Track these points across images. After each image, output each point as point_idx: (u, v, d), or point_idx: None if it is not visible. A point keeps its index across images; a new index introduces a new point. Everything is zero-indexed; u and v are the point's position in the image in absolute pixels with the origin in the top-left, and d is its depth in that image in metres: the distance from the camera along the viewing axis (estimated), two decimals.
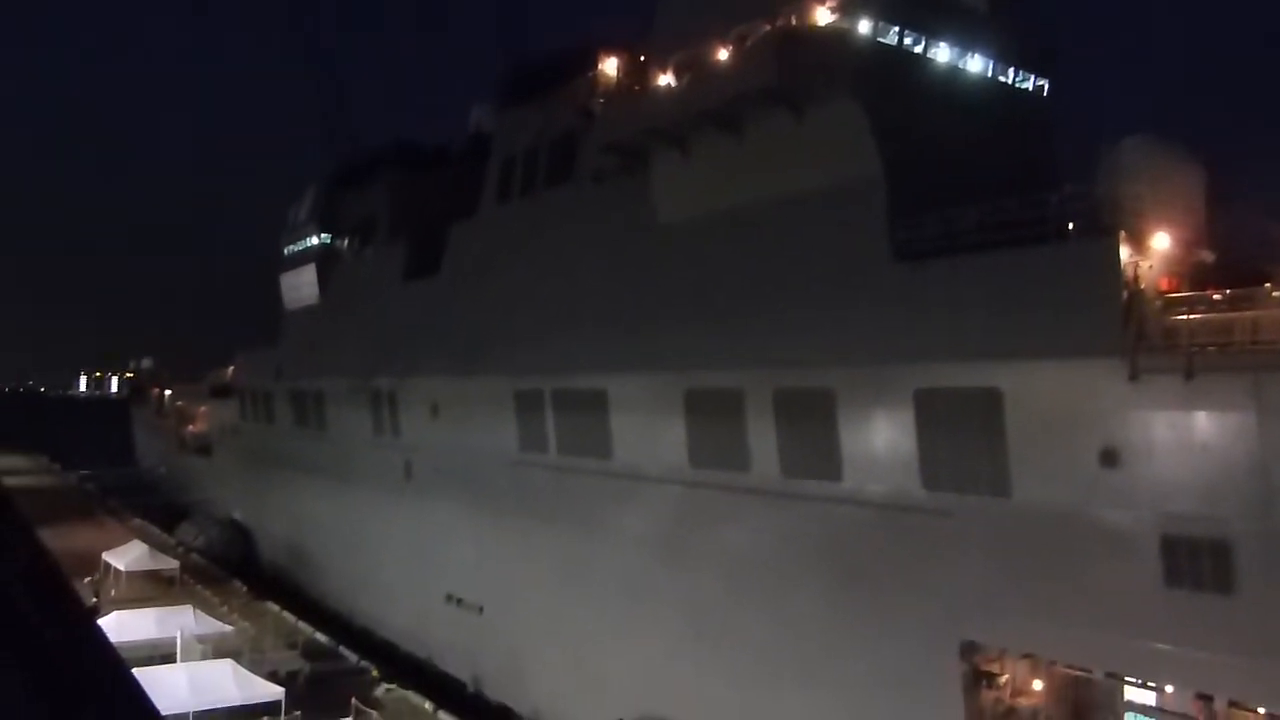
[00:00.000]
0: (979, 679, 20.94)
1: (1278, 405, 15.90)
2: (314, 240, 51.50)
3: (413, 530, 41.55)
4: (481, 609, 36.74)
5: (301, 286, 52.51)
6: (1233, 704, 17.88)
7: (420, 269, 40.30)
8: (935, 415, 20.60)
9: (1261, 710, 17.55)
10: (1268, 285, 17.66)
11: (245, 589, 51.85)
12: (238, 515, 64.39)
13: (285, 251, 54.69)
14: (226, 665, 33.08)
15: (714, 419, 25.77)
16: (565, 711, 31.69)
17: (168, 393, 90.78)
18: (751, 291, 24.69)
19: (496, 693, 36.53)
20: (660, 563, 28.10)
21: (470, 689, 37.47)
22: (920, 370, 20.75)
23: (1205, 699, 18.30)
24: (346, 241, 49.66)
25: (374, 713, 33.53)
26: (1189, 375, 16.76)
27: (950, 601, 20.50)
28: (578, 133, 31.48)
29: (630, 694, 29.06)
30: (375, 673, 37.74)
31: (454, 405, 37.89)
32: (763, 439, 24.42)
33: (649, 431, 28.11)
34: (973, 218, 19.95)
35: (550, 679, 33.35)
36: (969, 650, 20.66)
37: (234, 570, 55.76)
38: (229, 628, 40.50)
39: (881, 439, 21.87)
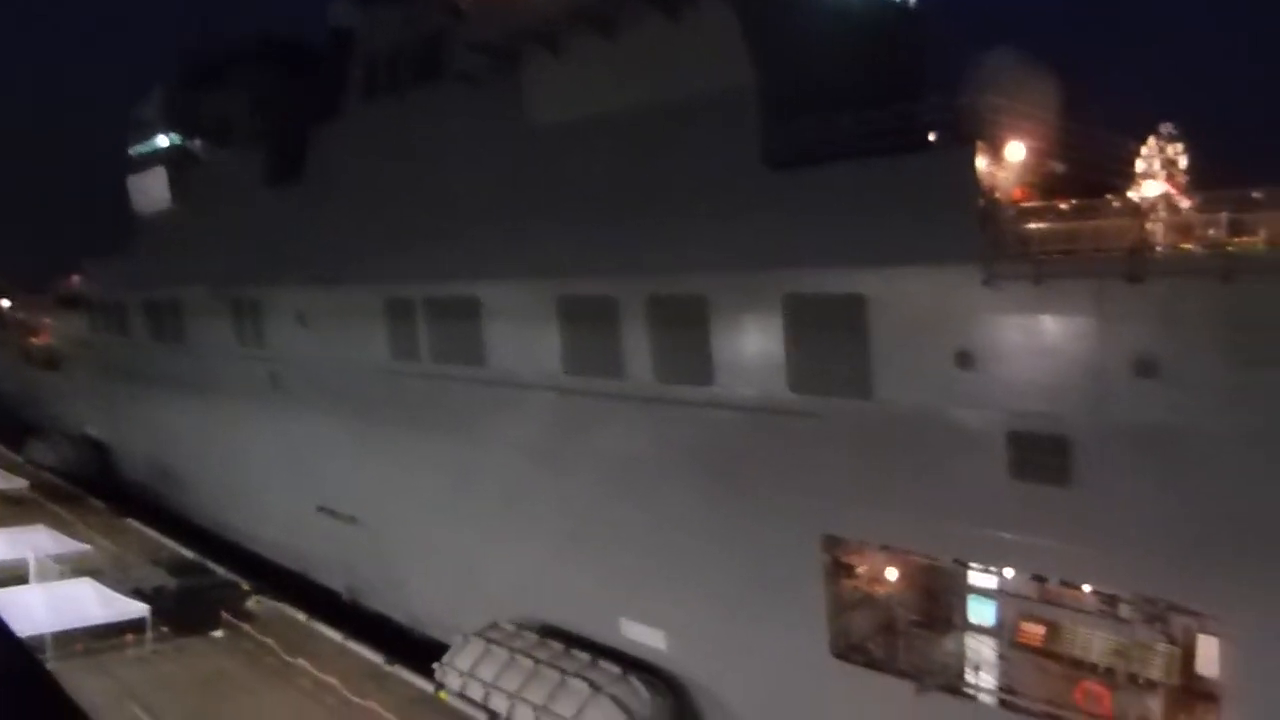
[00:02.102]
0: (839, 570, 22.17)
1: (1116, 310, 16.97)
2: (163, 141, 48.37)
3: (281, 442, 40.64)
4: (355, 519, 36.49)
5: (151, 190, 49.44)
6: (1063, 583, 19.52)
7: (281, 173, 38.50)
8: (803, 320, 21.20)
9: (1086, 588, 19.21)
10: (1110, 196, 18.68)
11: (104, 506, 50.08)
12: (92, 431, 61.62)
13: (132, 153, 51.23)
14: (86, 584, 32.12)
15: (588, 326, 25.86)
16: (443, 617, 32.05)
17: (6, 303, 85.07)
18: (625, 198, 24.61)
19: (372, 601, 36.63)
20: (536, 468, 28.39)
21: (345, 598, 37.46)
22: (789, 276, 21.23)
23: (1040, 580, 19.91)
24: (200, 143, 46.84)
25: (246, 625, 33.22)
26: (1038, 281, 17.67)
27: (814, 498, 21.48)
28: (445, 31, 30.29)
29: (507, 597, 29.58)
30: (245, 586, 37.25)
31: (322, 314, 36.81)
32: (636, 345, 24.69)
33: (523, 339, 28.03)
34: (842, 127, 20.25)
35: (427, 585, 33.62)
36: (830, 543, 21.79)
37: (91, 488, 53.66)
38: (87, 546, 39.18)
39: (752, 344, 22.40)
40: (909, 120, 19.36)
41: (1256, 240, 16.42)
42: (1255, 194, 16.49)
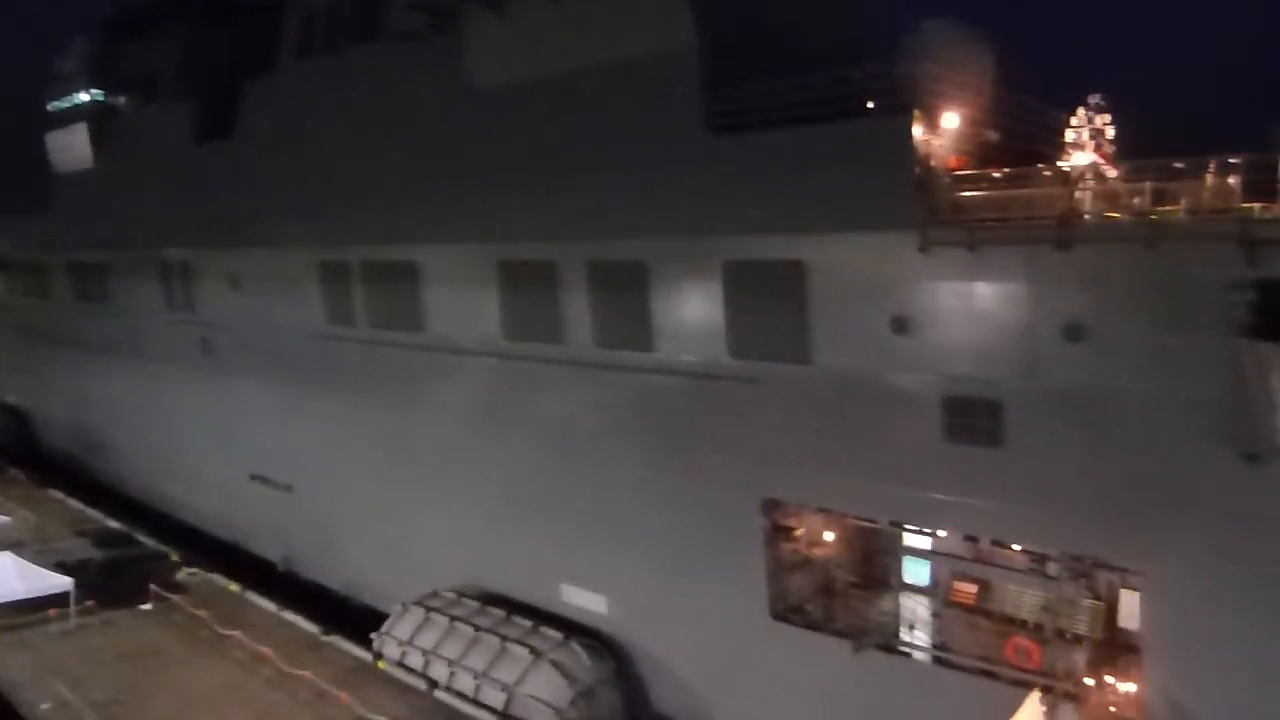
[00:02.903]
0: (778, 533, 22.52)
1: (1046, 276, 17.37)
2: (85, 96, 46.53)
3: (213, 409, 39.80)
4: (290, 487, 35.98)
5: (72, 148, 47.57)
6: (994, 543, 20.10)
7: (211, 130, 37.29)
8: (743, 286, 21.32)
9: (1016, 547, 19.81)
10: (1041, 165, 19.06)
11: (24, 477, 48.67)
12: (11, 399, 59.66)
13: (51, 108, 49.20)
14: (6, 558, 31.24)
15: (528, 291, 25.69)
16: (381, 585, 31.86)
17: None
18: (566, 161, 24.39)
19: (309, 571, 36.26)
20: (475, 434, 28.25)
21: (281, 569, 37.01)
22: (729, 243, 21.31)
23: (972, 540, 20.47)
24: (125, 98, 45.15)
25: (176, 598, 32.68)
26: (972, 248, 18.00)
27: (754, 462, 21.76)
28: None
29: (447, 564, 29.51)
30: (175, 557, 36.59)
31: (254, 278, 35.98)
32: (577, 310, 24.61)
33: (462, 304, 27.74)
34: (781, 92, 20.28)
35: (365, 553, 33.37)
36: (770, 506, 22.11)
37: (10, 458, 52.06)
38: (6, 518, 38.12)
39: (692, 310, 22.47)
40: (847, 87, 19.46)
41: (1178, 208, 16.91)
42: (1177, 164, 16.95)
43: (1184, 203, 16.90)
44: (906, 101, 18.82)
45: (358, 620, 30.12)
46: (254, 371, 36.65)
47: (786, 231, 20.23)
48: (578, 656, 24.82)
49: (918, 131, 18.73)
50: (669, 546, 23.93)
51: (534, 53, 25.23)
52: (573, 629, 25.82)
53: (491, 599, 28.07)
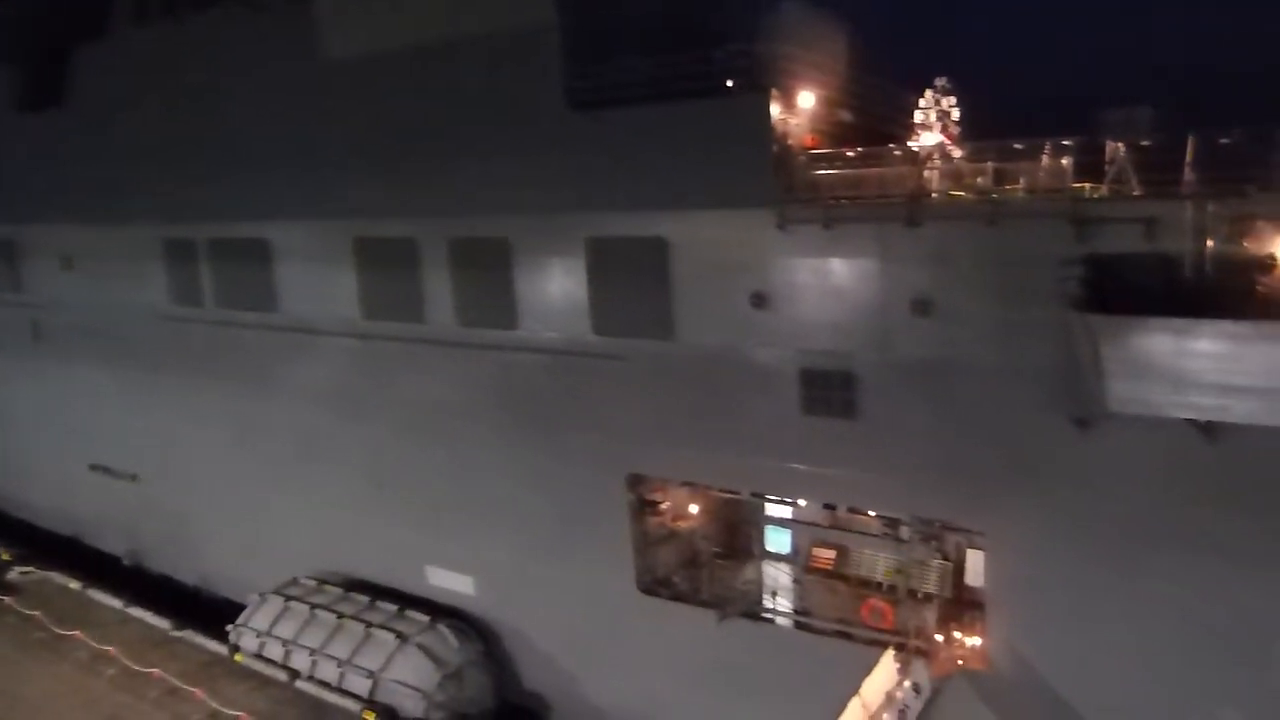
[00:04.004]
0: (644, 507, 22.76)
1: (896, 253, 18.04)
2: None
3: (47, 397, 37.31)
4: (136, 477, 34.17)
5: None
6: (851, 510, 20.88)
7: (38, 97, 34.68)
8: (605, 263, 21.36)
9: (871, 513, 20.63)
10: (891, 145, 19.75)
11: None
12: None
13: None
14: None
15: (387, 269, 25.04)
16: (237, 575, 30.67)
17: None
18: (426, 136, 23.77)
19: (158, 564, 34.59)
20: (334, 416, 27.43)
21: (126, 563, 35.17)
22: (592, 219, 21.28)
23: (830, 508, 21.21)
24: None
25: (7, 599, 30.69)
26: (827, 225, 18.52)
27: (619, 438, 21.90)
28: None
29: (307, 551, 28.68)
30: (5, 555, 34.27)
31: (91, 256, 33.80)
32: (438, 289, 24.15)
33: (317, 282, 26.77)
34: (644, 69, 20.30)
35: (220, 543, 32.04)
36: (635, 481, 22.32)
37: None
38: None
39: (555, 287, 22.36)
40: (707, 65, 19.64)
41: (1017, 188, 17.83)
42: (1017, 145, 17.87)
43: (1022, 182, 17.85)
44: (764, 81, 19.14)
45: (212, 613, 28.90)
46: (92, 356, 34.50)
47: (648, 208, 20.34)
48: (445, 639, 24.56)
49: (775, 111, 19.09)
50: (535, 525, 23.88)
51: (389, 24, 24.44)
52: (439, 611, 25.52)
53: (354, 584, 27.45)
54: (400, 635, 24.38)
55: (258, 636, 26.24)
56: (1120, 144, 16.77)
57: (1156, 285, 15.44)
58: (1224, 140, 15.51)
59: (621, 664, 23.40)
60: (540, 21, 21.77)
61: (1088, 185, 17.15)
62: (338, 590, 27.22)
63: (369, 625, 24.98)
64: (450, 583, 26.00)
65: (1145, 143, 16.59)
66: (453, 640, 24.62)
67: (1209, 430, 15.27)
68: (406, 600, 26.07)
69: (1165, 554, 16.32)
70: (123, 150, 31.59)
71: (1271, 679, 15.95)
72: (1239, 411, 14.57)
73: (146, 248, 31.06)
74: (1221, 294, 14.98)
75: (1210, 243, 15.35)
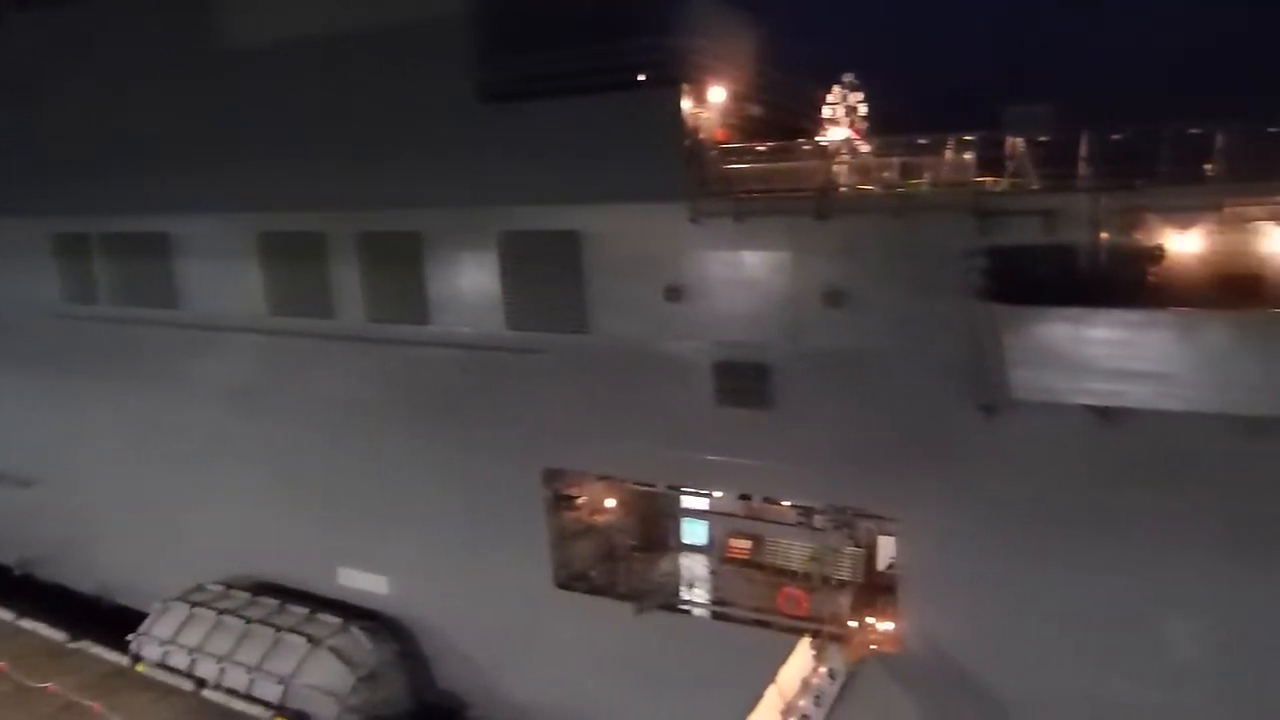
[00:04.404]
0: (560, 501, 22.69)
1: (807, 245, 18.31)
2: None
3: None
4: (29, 482, 32.66)
5: None
6: (766, 500, 21.15)
7: None
8: (519, 257, 21.19)
9: (786, 502, 20.93)
10: (801, 140, 20.02)
11: None
12: None
13: None
14: None
15: (294, 263, 24.40)
16: (140, 583, 29.50)
17: None
18: (333, 128, 23.20)
19: (53, 573, 33.13)
20: (240, 416, 26.65)
21: (17, 572, 33.60)
22: (504, 213, 21.09)
23: (745, 498, 21.44)
24: None
25: None
26: (739, 219, 18.69)
27: (534, 433, 21.78)
28: None
29: (213, 555, 27.80)
30: None
31: None
32: (347, 283, 23.65)
33: (221, 278, 25.93)
34: (555, 62, 20.17)
35: (121, 550, 30.80)
36: (551, 476, 22.24)
37: None
38: None
39: (468, 281, 22.11)
40: (618, 59, 19.61)
41: (922, 181, 18.25)
42: (922, 140, 18.29)
43: (927, 177, 18.28)
44: (676, 75, 19.20)
45: (111, 623, 27.79)
46: None
47: (561, 202, 20.24)
48: (358, 641, 24.12)
49: (687, 105, 19.17)
50: (450, 522, 23.60)
51: (296, 11, 23.76)
52: (352, 613, 25.04)
53: (263, 588, 26.73)
54: (311, 639, 23.84)
55: (161, 645, 25.37)
56: (1019, 140, 17.31)
57: (1055, 275, 15.98)
58: (1115, 136, 16.15)
59: (540, 659, 23.29)
60: (449, 12, 21.44)
61: (989, 179, 17.64)
62: (245, 595, 26.47)
63: (279, 629, 24.36)
64: (363, 583, 25.53)
65: (1043, 138, 17.14)
66: (366, 642, 24.18)
67: (1106, 415, 15.88)
68: (318, 602, 25.51)
69: (1066, 534, 16.94)
70: (7, 140, 30.07)
71: (1164, 649, 16.70)
72: (1133, 396, 15.22)
73: (36, 242, 29.66)
74: (1115, 283, 15.60)
75: (1104, 234, 15.95)
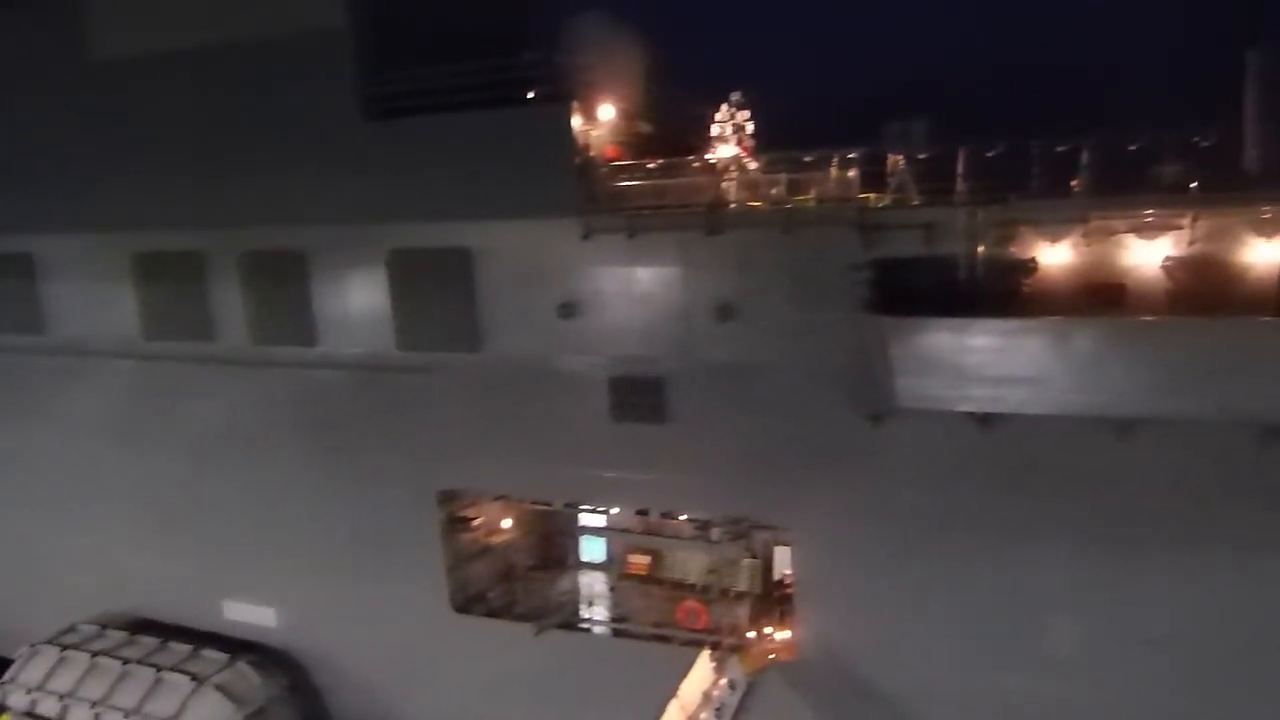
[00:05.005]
0: (456, 523, 22.31)
1: (698, 260, 18.54)
2: None
3: None
4: None
5: None
6: (663, 515, 21.24)
7: None
8: (408, 276, 20.84)
9: (683, 516, 21.04)
10: (690, 157, 20.28)
11: None
12: None
13: None
14: None
15: (170, 285, 23.43)
16: (7, 626, 27.78)
17: None
18: (213, 144, 22.37)
19: None
20: (114, 446, 25.38)
21: None
22: (393, 231, 20.73)
23: (643, 513, 21.49)
24: None
25: None
26: (631, 235, 18.80)
27: (428, 454, 21.40)
28: None
29: (87, 594, 26.36)
30: None
31: None
32: (229, 305, 22.85)
33: (91, 301, 24.71)
34: (443, 78, 19.97)
35: None
36: (446, 498, 21.87)
37: None
38: None
39: (356, 301, 21.63)
40: (507, 75, 19.54)
41: (809, 197, 18.69)
42: (807, 157, 18.74)
43: (813, 192, 18.73)
44: (565, 91, 19.23)
45: None
46: None
47: (451, 219, 20.02)
48: (245, 676, 23.27)
49: (577, 121, 19.21)
50: (342, 548, 22.95)
51: (171, 21, 22.83)
52: (239, 647, 24.11)
53: (142, 626, 25.50)
54: (195, 676, 22.83)
55: (29, 693, 23.90)
56: (900, 156, 17.90)
57: (937, 287, 16.55)
58: (990, 153, 16.86)
59: (438, 685, 22.81)
60: (330, 25, 20.98)
61: (873, 195, 18.19)
62: (122, 634, 25.19)
63: (160, 669, 23.26)
64: (251, 616, 24.59)
65: (922, 154, 17.78)
66: (254, 676, 23.34)
67: (986, 420, 16.49)
68: (202, 638, 24.45)
69: (953, 537, 17.49)
70: None
71: (1046, 645, 17.38)
72: (1011, 401, 15.86)
73: None
74: (993, 294, 16.27)
75: (981, 247, 16.60)
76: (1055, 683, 17.39)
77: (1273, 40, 17.13)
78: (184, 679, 22.84)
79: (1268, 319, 14.89)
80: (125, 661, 23.74)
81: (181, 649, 24.10)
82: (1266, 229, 15.19)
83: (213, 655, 23.72)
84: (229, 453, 23.89)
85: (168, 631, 24.99)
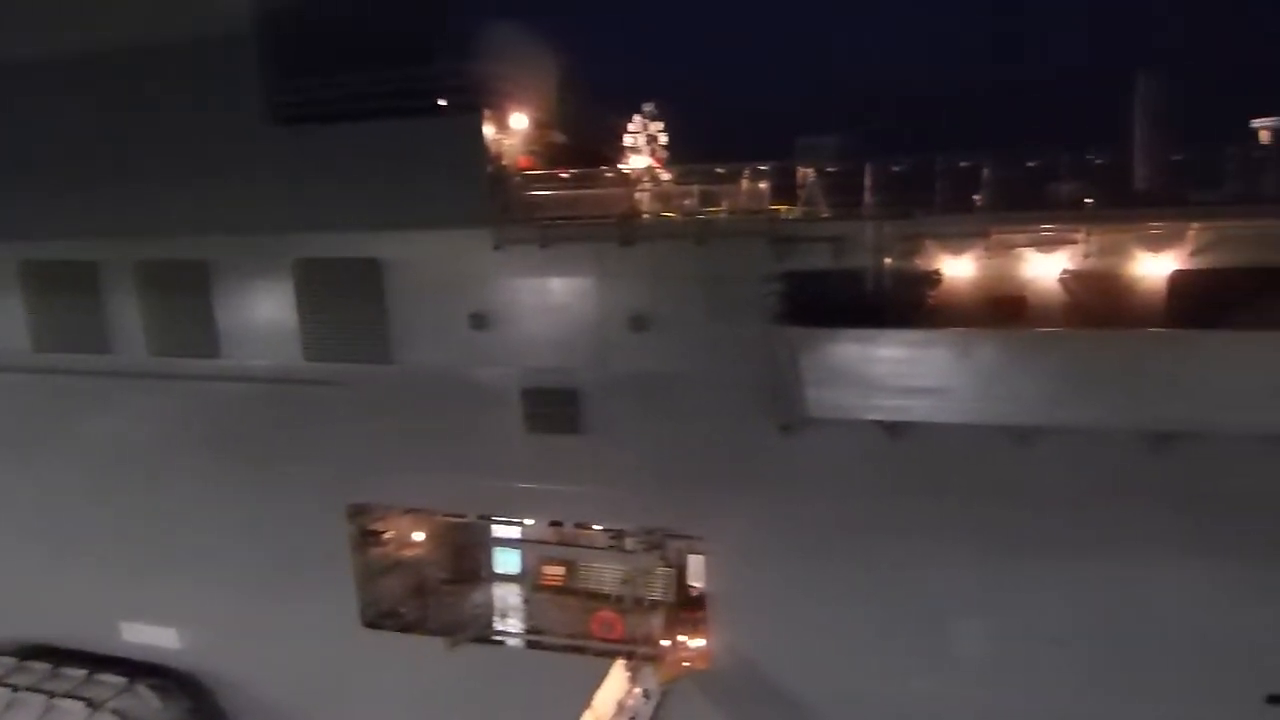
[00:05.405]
0: (366, 538, 21.90)
1: (612, 271, 18.54)
2: None
3: None
4: None
5: None
6: (577, 525, 21.17)
7: None
8: (316, 286, 20.41)
9: (597, 527, 21.02)
10: (604, 167, 20.30)
11: None
12: None
13: None
14: None
15: (62, 296, 22.48)
16: None
17: None
18: (108, 149, 21.53)
19: None
20: (3, 463, 24.23)
21: None
22: (300, 240, 20.26)
23: (557, 524, 21.40)
24: None
25: None
26: (544, 245, 18.71)
27: (337, 468, 20.98)
28: None
29: None
30: None
31: None
32: (125, 316, 22.03)
33: None
34: (352, 85, 19.60)
35: None
36: (356, 512, 21.46)
37: None
38: None
39: (262, 312, 21.07)
40: (419, 83, 19.28)
41: (721, 209, 18.86)
42: (719, 169, 18.92)
43: (725, 204, 18.91)
44: (477, 101, 19.07)
45: None
46: None
47: (361, 228, 19.65)
48: (145, 700, 22.60)
49: (489, 131, 19.06)
50: (248, 565, 22.32)
51: (64, 23, 21.91)
52: (139, 670, 23.29)
53: (33, 652, 24.38)
54: (91, 703, 22.02)
55: None
56: (810, 170, 18.19)
57: (846, 299, 16.85)
58: (895, 168, 17.26)
59: (349, 703, 22.36)
60: (235, 30, 20.40)
61: (784, 207, 18.45)
62: (10, 660, 24.10)
63: (52, 695, 22.34)
64: (150, 637, 23.75)
65: (831, 169, 18.10)
66: (155, 701, 22.63)
67: (894, 429, 16.86)
68: (98, 662, 23.51)
69: (862, 543, 17.85)
70: None
71: (955, 647, 17.84)
72: (917, 410, 16.26)
73: None
74: (899, 305, 16.64)
75: (888, 259, 16.97)
76: (964, 684, 17.87)
77: (1160, 64, 17.96)
78: (79, 705, 22.04)
79: (1157, 330, 15.57)
80: (14, 689, 22.76)
81: (76, 674, 23.19)
82: (1155, 244, 15.85)
83: (110, 679, 22.90)
84: (127, 468, 23.04)
85: (61, 656, 23.96)
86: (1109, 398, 15.39)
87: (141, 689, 22.65)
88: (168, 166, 21.07)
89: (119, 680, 22.80)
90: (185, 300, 21.45)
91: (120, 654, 23.83)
